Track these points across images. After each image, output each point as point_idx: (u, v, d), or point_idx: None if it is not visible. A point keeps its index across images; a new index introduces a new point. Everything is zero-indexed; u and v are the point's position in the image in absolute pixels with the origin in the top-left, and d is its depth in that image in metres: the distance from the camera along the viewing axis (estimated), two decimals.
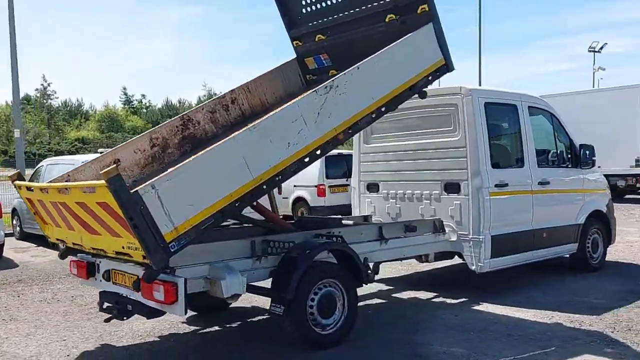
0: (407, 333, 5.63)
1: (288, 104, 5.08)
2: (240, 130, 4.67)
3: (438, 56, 5.99)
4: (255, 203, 5.93)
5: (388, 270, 8.55)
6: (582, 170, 8.03)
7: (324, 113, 5.08)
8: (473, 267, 6.82)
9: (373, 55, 5.52)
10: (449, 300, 6.88)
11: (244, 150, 4.59)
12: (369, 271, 5.97)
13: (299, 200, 15.35)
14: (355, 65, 5.40)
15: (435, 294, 7.23)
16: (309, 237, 5.67)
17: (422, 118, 7.37)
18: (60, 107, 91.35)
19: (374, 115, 5.55)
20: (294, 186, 15.15)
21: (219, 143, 4.56)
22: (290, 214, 15.10)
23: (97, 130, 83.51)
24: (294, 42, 7.25)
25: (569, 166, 7.97)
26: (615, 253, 9.50)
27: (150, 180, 4.19)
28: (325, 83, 5.15)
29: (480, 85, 34.78)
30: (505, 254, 6.94)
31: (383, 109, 5.63)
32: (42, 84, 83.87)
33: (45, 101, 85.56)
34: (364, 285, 5.71)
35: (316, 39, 6.98)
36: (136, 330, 6.01)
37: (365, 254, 6.02)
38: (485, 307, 6.52)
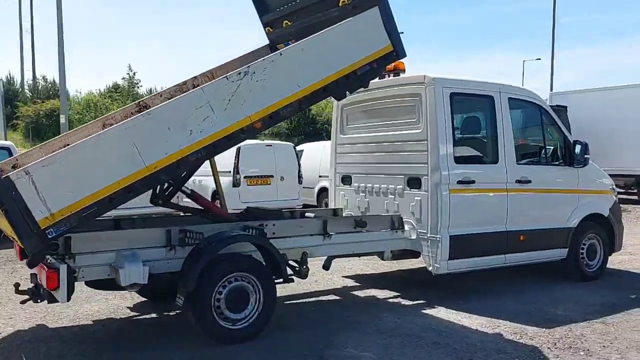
0: (332, 333, 5.35)
1: (192, 90, 4.92)
2: (133, 117, 4.57)
3: (384, 42, 5.61)
4: (189, 191, 5.89)
5: (367, 266, 8.27)
6: (579, 169, 7.32)
7: (236, 100, 4.87)
8: (430, 268, 6.41)
9: (301, 41, 5.26)
10: (405, 302, 6.51)
11: (135, 137, 4.47)
12: (304, 266, 5.76)
13: (324, 191, 15.17)
14: (278, 52, 5.16)
15: (398, 294, 6.86)
16: (237, 228, 5.50)
17: (389, 109, 7.00)
18: (145, 94, 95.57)
19: (301, 104, 5.28)
20: (319, 176, 15.03)
21: (106, 129, 4.48)
22: (315, 204, 15.00)
23: None
24: (266, 29, 7.06)
25: (562, 164, 7.30)
26: (628, 262, 8.69)
27: (25, 166, 4.18)
28: (239, 69, 4.95)
29: (552, 77, 32.37)
30: (467, 255, 6.46)
31: (313, 98, 5.34)
32: (127, 73, 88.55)
33: (131, 89, 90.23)
34: (288, 281, 5.48)
35: (284, 25, 6.75)
36: (81, 312, 6.11)
37: (305, 249, 5.83)
38: (437, 311, 6.10)
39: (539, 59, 61.10)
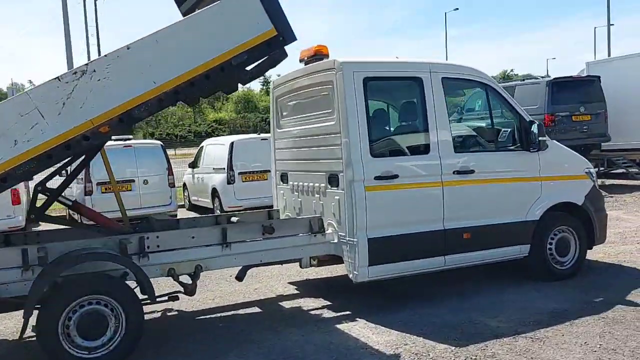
0: (211, 356, 4.78)
1: (17, 95, 4.45)
2: None
3: (265, 26, 4.95)
4: (70, 202, 5.47)
5: (325, 270, 7.56)
6: (540, 153, 6.35)
7: (73, 103, 4.37)
8: (350, 276, 5.69)
9: (156, 32, 4.67)
10: (327, 314, 5.82)
11: None
12: (193, 282, 5.22)
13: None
14: (125, 46, 4.60)
15: (329, 303, 6.18)
16: (111, 243, 5.00)
17: (309, 99, 6.30)
18: None
19: (163, 102, 4.70)
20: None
21: None
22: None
23: (233, 111, 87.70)
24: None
25: (518, 149, 6.34)
26: (630, 253, 7.61)
27: None
28: (74, 68, 4.44)
29: (609, 45, 30.44)
30: (393, 260, 5.69)
31: (181, 94, 4.75)
32: None
33: None
34: (157, 301, 4.94)
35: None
36: None
37: (198, 261, 5.28)
38: (353, 325, 5.39)
39: (612, 24, 57.05)
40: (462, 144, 6.16)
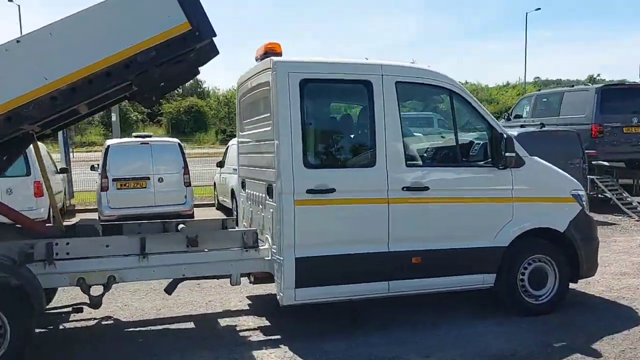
0: None
1: None
2: None
3: (177, 20, 4.54)
4: None
5: None
6: (513, 170, 5.61)
7: None
8: (278, 297, 5.19)
9: (52, 23, 4.37)
10: (254, 337, 5.36)
11: None
12: (98, 294, 4.90)
13: None
14: (15, 39, 4.31)
15: (266, 324, 5.70)
16: (16, 248, 4.73)
17: (256, 102, 5.84)
18: None
19: (56, 100, 4.38)
20: None
21: None
22: None
23: None
24: None
25: (487, 165, 5.63)
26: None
27: None
28: None
29: None
30: (324, 283, 5.14)
31: (79, 92, 4.42)
32: None
33: None
34: (56, 313, 4.65)
35: None
36: None
37: (112, 272, 4.95)
38: (267, 353, 4.92)
39: None
40: (416, 157, 5.52)
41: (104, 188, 11.69)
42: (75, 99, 4.46)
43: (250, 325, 5.70)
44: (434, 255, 5.40)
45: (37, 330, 5.44)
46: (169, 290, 5.56)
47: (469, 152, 5.70)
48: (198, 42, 4.67)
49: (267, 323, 5.74)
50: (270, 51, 5.49)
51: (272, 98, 5.08)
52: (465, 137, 5.73)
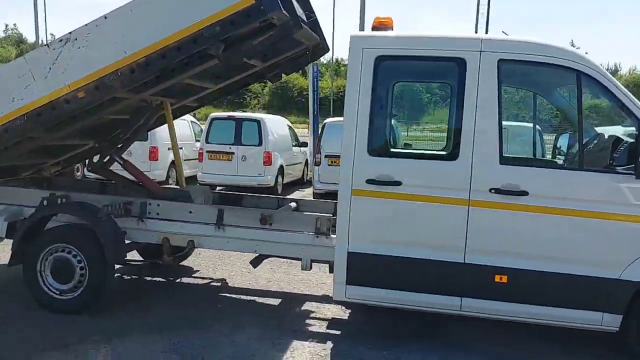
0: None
1: (17, 58, 5.04)
2: None
3: None
4: (122, 161, 6.04)
5: None
6: None
7: (57, 68, 4.78)
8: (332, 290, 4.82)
9: (130, 1, 4.72)
10: (317, 328, 5.07)
11: None
12: (180, 253, 5.33)
13: None
14: (103, 15, 4.77)
15: (343, 318, 5.36)
16: (117, 202, 5.37)
17: None
18: None
19: (134, 72, 4.73)
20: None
21: None
22: None
23: None
24: None
25: (626, 171, 4.23)
26: None
27: None
28: (61, 35, 4.84)
29: None
30: (383, 285, 4.57)
31: (153, 64, 4.70)
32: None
33: None
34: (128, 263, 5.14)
35: None
36: None
37: (192, 237, 5.29)
38: (305, 345, 4.61)
39: None
40: (516, 154, 4.46)
41: (317, 163, 12.32)
42: (150, 71, 4.75)
43: (325, 315, 5.41)
44: (526, 277, 4.33)
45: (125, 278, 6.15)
46: (254, 263, 5.63)
47: (594, 151, 4.36)
48: (262, 16, 4.52)
49: (344, 317, 5.39)
50: (381, 26, 5.01)
51: (347, 76, 4.65)
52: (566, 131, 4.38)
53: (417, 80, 5.06)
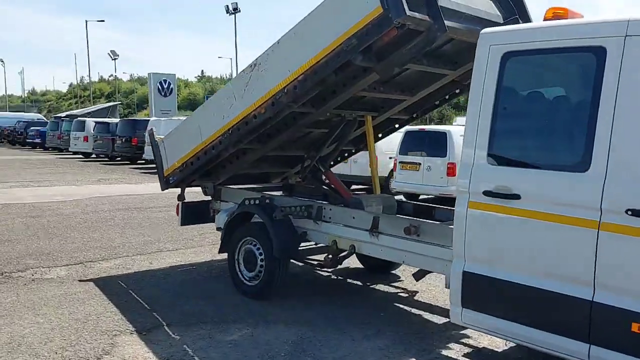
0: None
1: (227, 83, 6.05)
2: (196, 110, 6.39)
3: (372, 4, 4.63)
4: (323, 169, 6.72)
5: None
6: None
7: (249, 89, 5.70)
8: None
9: (294, 25, 5.31)
10: (387, 341, 4.67)
11: (199, 120, 6.34)
12: (336, 257, 5.68)
13: None
14: (277, 40, 5.45)
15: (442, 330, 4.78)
16: (304, 205, 6.01)
17: None
18: None
19: (296, 88, 5.27)
20: None
21: (184, 120, 6.50)
22: None
23: None
24: None
25: None
26: None
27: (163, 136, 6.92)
28: (252, 61, 5.71)
29: None
30: (497, 313, 3.98)
31: (309, 81, 5.17)
32: None
33: None
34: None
35: None
36: None
37: (353, 241, 5.60)
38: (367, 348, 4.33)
39: None
40: None
41: None
42: (307, 87, 5.22)
43: (478, 342, 4.91)
44: None
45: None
46: (416, 276, 5.47)
47: None
48: (390, 24, 4.52)
49: (497, 349, 4.79)
50: (558, 17, 4.47)
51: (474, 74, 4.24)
52: None
53: (549, 76, 4.15)
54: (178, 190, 7.09)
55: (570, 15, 4.07)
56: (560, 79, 4.11)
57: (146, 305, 5.67)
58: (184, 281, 6.61)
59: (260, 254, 5.87)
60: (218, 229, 6.75)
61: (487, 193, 3.98)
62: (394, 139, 13.68)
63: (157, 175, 7.00)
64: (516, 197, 3.84)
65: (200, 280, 6.69)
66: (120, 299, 5.82)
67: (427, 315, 5.65)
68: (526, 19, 5.63)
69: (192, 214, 7.16)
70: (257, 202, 6.12)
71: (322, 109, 5.86)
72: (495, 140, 4.01)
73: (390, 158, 14.07)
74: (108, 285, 6.29)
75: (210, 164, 6.50)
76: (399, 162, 13.35)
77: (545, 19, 4.18)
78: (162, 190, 7.05)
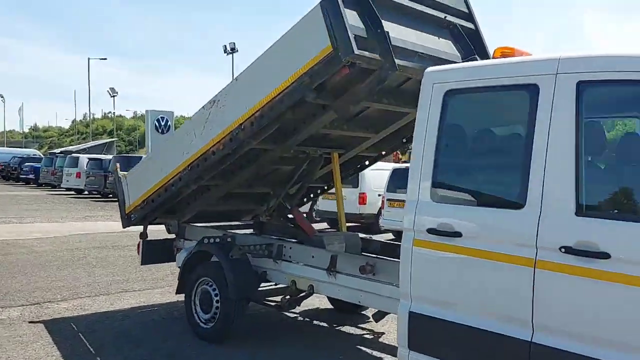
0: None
1: (186, 120, 6.06)
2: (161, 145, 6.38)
3: (322, 43, 4.67)
4: (290, 206, 6.65)
5: None
6: None
7: (208, 126, 5.71)
8: None
9: (252, 61, 5.35)
10: None
11: (161, 156, 6.33)
12: (292, 297, 5.56)
13: None
14: (235, 77, 5.49)
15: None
16: (264, 243, 5.92)
17: None
18: None
19: (253, 124, 5.28)
20: None
21: (147, 154, 6.52)
22: None
23: None
24: None
25: None
26: None
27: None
28: (212, 97, 5.73)
29: None
30: (438, 355, 3.87)
31: (264, 118, 5.18)
32: None
33: None
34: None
35: None
36: None
37: (312, 281, 5.49)
38: None
39: None
40: (598, 203, 3.26)
41: None
42: (264, 123, 5.22)
43: None
44: None
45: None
46: (376, 317, 5.34)
47: None
48: (340, 62, 4.55)
49: None
50: (505, 56, 4.49)
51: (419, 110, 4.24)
52: None
53: (486, 113, 4.16)
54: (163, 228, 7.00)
55: (517, 54, 4.09)
56: (499, 117, 4.11)
57: (92, 350, 5.52)
58: (141, 323, 6.43)
59: (216, 295, 5.75)
60: (179, 267, 6.64)
61: (430, 231, 3.92)
62: (383, 176, 13.74)
63: None
64: (458, 234, 3.78)
65: (158, 322, 6.53)
66: (66, 343, 5.63)
67: (387, 358, 5.51)
68: (485, 57, 5.67)
69: (155, 252, 7.06)
70: (215, 240, 6.03)
71: (284, 146, 5.85)
72: (438, 176, 3.98)
73: (379, 195, 13.98)
74: (58, 328, 6.10)
75: (172, 200, 6.45)
76: (387, 200, 13.22)
77: (493, 58, 4.22)
78: (124, 227, 6.98)
